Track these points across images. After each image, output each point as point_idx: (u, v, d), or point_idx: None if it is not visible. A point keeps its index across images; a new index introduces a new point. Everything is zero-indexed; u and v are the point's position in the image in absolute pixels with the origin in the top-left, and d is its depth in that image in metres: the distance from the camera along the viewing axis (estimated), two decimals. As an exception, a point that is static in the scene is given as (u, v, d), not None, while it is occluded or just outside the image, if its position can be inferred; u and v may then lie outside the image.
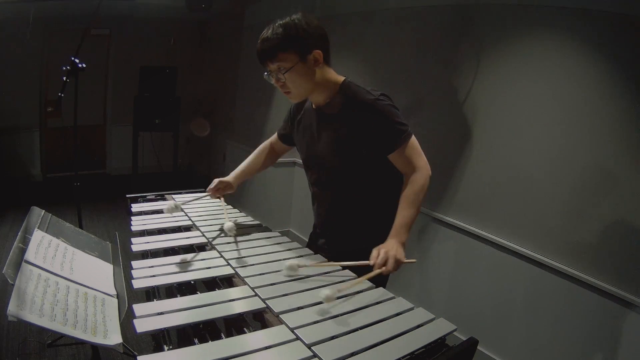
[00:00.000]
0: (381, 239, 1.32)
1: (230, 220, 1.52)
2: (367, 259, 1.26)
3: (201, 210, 1.80)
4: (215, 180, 1.70)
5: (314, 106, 1.49)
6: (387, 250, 1.24)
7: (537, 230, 2.07)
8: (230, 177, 1.73)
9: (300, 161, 1.62)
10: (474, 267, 2.38)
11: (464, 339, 1.01)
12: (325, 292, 1.06)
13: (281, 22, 1.32)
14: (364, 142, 1.36)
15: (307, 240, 1.68)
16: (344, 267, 1.28)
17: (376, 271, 1.21)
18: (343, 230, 1.54)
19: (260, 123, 4.00)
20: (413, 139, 1.38)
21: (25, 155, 5.06)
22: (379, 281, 1.24)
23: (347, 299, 1.12)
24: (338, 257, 1.33)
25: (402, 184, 1.40)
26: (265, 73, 1.38)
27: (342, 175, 1.46)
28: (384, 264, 1.22)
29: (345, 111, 1.38)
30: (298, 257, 1.38)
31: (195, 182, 5.47)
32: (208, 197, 1.96)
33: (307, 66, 1.33)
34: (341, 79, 1.43)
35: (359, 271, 1.25)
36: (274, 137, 1.79)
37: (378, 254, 1.24)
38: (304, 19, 1.32)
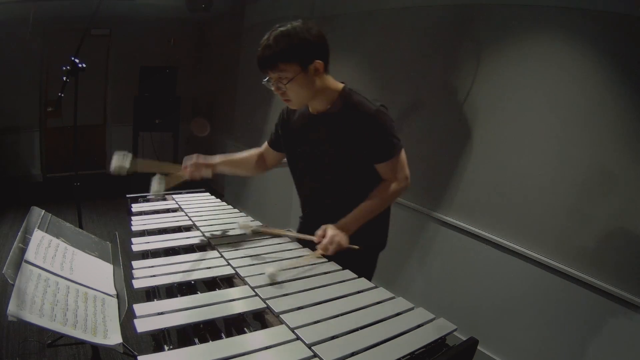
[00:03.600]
0: (372, 242, 1.39)
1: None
2: (356, 257, 1.34)
3: (201, 210, 1.80)
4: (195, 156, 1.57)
5: (311, 110, 1.50)
6: (334, 235, 1.32)
7: (537, 230, 2.07)
8: (214, 159, 1.60)
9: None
10: (474, 267, 2.38)
11: (464, 339, 1.01)
12: (269, 269, 1.17)
13: (282, 29, 1.29)
14: (359, 149, 1.41)
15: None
16: (291, 239, 1.49)
17: (318, 252, 1.32)
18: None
19: (260, 123, 4.00)
20: (402, 152, 1.45)
21: (25, 155, 5.06)
22: (364, 272, 1.29)
23: (347, 299, 1.12)
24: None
25: None
26: (265, 79, 1.38)
27: (332, 178, 1.50)
28: (327, 246, 1.31)
29: (344, 118, 1.40)
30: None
31: (194, 182, 5.46)
32: (209, 197, 1.96)
33: (308, 76, 1.34)
34: (340, 85, 1.44)
35: (305, 243, 1.44)
36: (264, 146, 1.75)
37: (324, 235, 1.33)
38: (305, 27, 1.30)
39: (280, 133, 1.64)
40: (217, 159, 1.61)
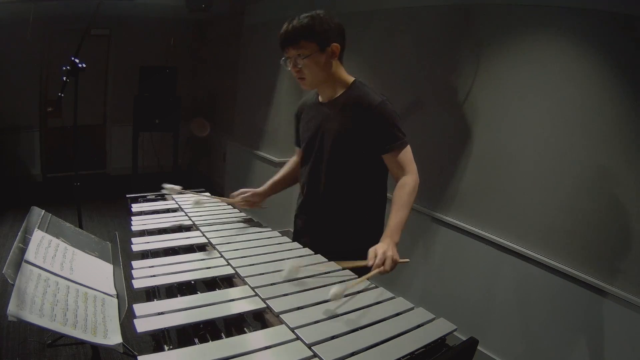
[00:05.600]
0: (366, 241, 1.35)
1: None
2: (357, 253, 1.30)
3: (201, 210, 1.80)
4: (242, 190, 1.73)
5: (320, 100, 1.58)
6: (385, 251, 1.27)
7: (538, 230, 2.07)
8: (260, 189, 1.75)
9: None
10: (474, 267, 2.38)
11: (464, 339, 1.01)
12: (333, 290, 1.07)
13: (306, 14, 1.43)
14: (364, 139, 1.45)
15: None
16: (344, 268, 1.30)
17: (375, 271, 1.23)
18: (330, 229, 1.57)
19: (260, 123, 4.00)
20: (408, 147, 1.47)
21: (25, 155, 5.06)
22: (362, 273, 1.26)
23: (347, 298, 1.12)
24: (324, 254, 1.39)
25: (386, 190, 1.50)
26: (283, 59, 1.47)
27: (336, 169, 1.52)
28: (382, 264, 1.25)
29: (351, 108, 1.46)
30: (297, 257, 1.38)
31: (195, 182, 5.46)
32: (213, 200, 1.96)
33: (325, 57, 1.44)
34: (352, 78, 1.53)
35: (357, 271, 1.28)
36: (295, 150, 1.79)
37: (376, 254, 1.26)
38: (327, 15, 1.46)
39: (298, 127, 1.71)
40: (265, 187, 1.77)
